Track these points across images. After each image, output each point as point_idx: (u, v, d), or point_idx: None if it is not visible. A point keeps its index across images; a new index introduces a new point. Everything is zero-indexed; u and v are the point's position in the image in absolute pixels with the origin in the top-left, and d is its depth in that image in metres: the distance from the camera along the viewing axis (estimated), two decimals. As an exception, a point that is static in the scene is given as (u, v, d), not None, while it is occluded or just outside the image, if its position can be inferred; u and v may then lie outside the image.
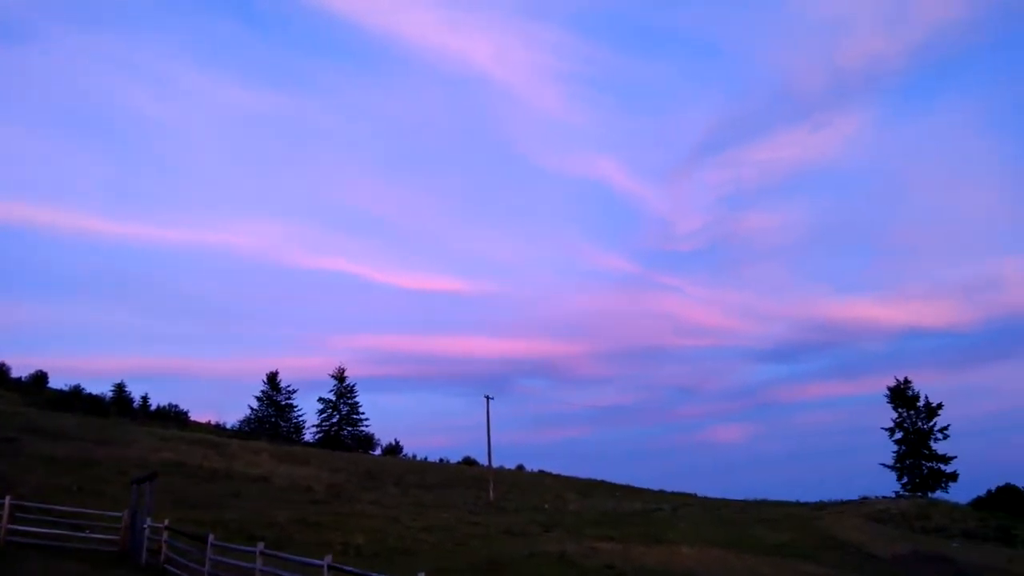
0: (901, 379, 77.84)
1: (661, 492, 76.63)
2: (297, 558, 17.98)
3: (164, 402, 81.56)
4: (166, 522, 22.92)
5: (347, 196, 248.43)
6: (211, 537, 20.30)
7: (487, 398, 61.14)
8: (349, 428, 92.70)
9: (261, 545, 18.63)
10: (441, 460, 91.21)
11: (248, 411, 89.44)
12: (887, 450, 77.19)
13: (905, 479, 75.31)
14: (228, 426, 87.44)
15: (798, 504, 67.09)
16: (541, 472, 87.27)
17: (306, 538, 28.76)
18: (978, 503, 75.02)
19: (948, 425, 75.27)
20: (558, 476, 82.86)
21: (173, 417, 78.37)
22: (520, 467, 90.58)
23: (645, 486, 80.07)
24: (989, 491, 79.11)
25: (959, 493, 74.77)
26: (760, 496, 72.30)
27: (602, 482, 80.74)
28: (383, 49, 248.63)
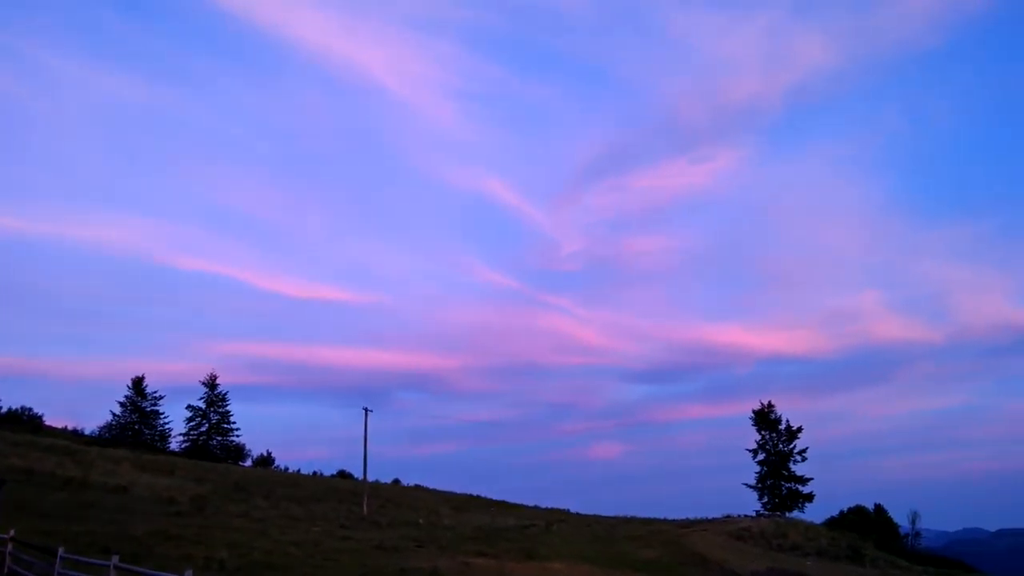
0: (765, 403, 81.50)
1: (536, 508, 77.33)
2: (155, 573, 17.07)
3: (15, 405, 76.40)
4: (11, 532, 21.41)
5: (228, 197, 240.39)
6: (61, 550, 19.06)
7: (366, 410, 60.18)
8: (219, 438, 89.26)
9: (115, 559, 17.57)
10: (315, 473, 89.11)
11: (110, 417, 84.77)
12: (750, 470, 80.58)
13: (766, 499, 78.70)
14: (87, 432, 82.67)
15: (666, 521, 69.01)
16: (417, 486, 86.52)
17: (166, 552, 27.39)
18: (831, 523, 79.40)
19: (806, 448, 79.34)
20: (434, 491, 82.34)
21: (25, 421, 73.41)
22: (396, 481, 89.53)
23: (520, 502, 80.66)
24: (842, 511, 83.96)
25: (815, 513, 78.97)
26: (631, 513, 74.13)
27: (478, 497, 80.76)
28: (272, 49, 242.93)
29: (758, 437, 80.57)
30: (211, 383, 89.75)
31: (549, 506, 79.48)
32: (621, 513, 74.11)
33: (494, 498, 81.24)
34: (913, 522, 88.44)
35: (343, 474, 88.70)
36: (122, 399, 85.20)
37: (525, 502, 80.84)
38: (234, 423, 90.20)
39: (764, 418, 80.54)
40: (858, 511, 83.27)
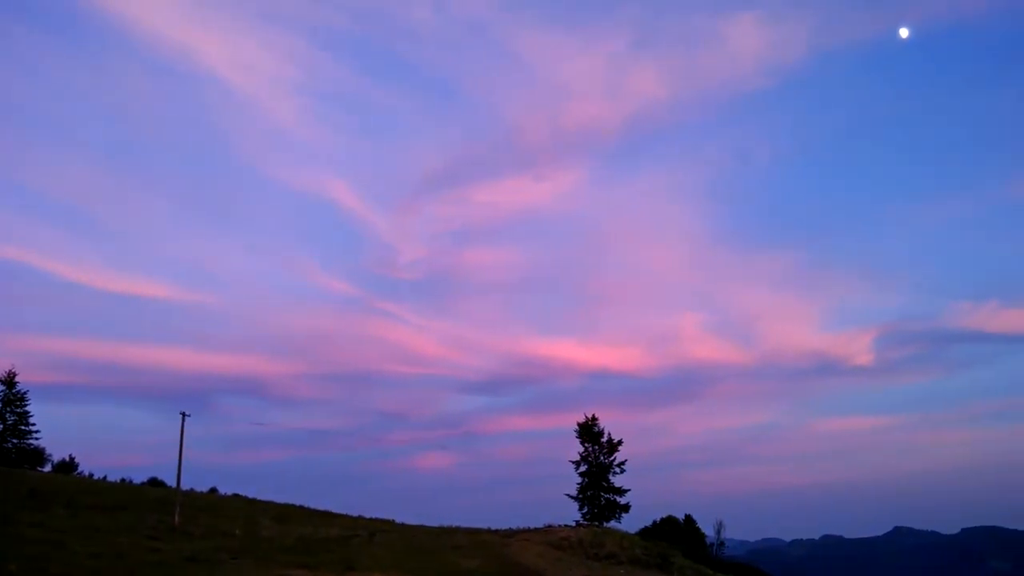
0: (589, 416, 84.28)
1: (360, 518, 76.09)
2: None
3: None
4: None
5: (40, 180, 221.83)
6: None
7: (183, 415, 57.08)
8: (15, 440, 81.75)
9: None
10: (123, 480, 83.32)
11: None
12: (573, 481, 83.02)
13: (585, 509, 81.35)
14: None
15: (490, 531, 69.88)
16: (236, 495, 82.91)
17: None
18: (644, 532, 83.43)
19: (626, 460, 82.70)
20: (254, 500, 79.20)
21: None
22: (213, 490, 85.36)
23: (346, 512, 79.04)
24: (655, 522, 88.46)
25: (631, 523, 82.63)
26: (459, 523, 74.48)
27: (301, 507, 78.45)
28: (103, 29, 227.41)
29: (581, 449, 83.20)
30: (9, 380, 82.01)
31: (374, 516, 78.45)
32: (448, 523, 74.36)
33: (318, 508, 79.25)
34: (718, 532, 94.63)
35: (155, 482, 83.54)
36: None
37: (350, 512, 79.35)
38: (33, 425, 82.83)
39: (588, 431, 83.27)
40: (669, 521, 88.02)
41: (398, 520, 77.22)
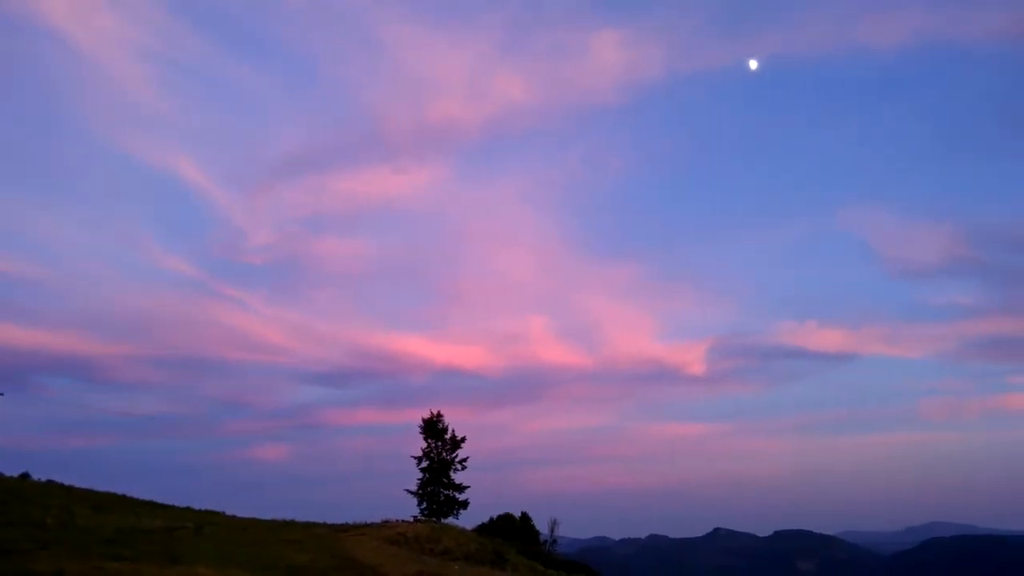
0: (435, 412, 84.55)
1: (188, 509, 72.81)
2: None
3: None
4: None
5: None
6: None
7: (-6, 393, 52.76)
8: None
9: None
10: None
11: None
12: (415, 477, 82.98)
13: (424, 505, 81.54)
14: None
15: (326, 525, 68.66)
16: (50, 482, 77.20)
17: None
18: (481, 529, 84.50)
19: (467, 457, 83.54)
20: (71, 488, 74.06)
21: None
22: (25, 475, 79.18)
23: (173, 502, 75.39)
24: (492, 518, 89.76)
25: (469, 519, 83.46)
26: (295, 516, 72.65)
27: (124, 496, 74.12)
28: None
29: (424, 445, 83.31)
30: None
31: (203, 507, 75.31)
32: (284, 516, 72.41)
33: (143, 497, 75.21)
34: (552, 530, 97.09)
35: (-45, 465, 76.56)
36: None
37: (178, 502, 75.81)
38: None
39: (432, 427, 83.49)
40: (506, 518, 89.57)
41: (229, 512, 74.50)
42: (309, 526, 67.49)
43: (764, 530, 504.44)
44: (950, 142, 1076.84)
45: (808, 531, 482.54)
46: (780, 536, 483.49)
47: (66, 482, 77.49)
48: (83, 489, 74.24)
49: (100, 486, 76.35)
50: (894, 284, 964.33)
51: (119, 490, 76.59)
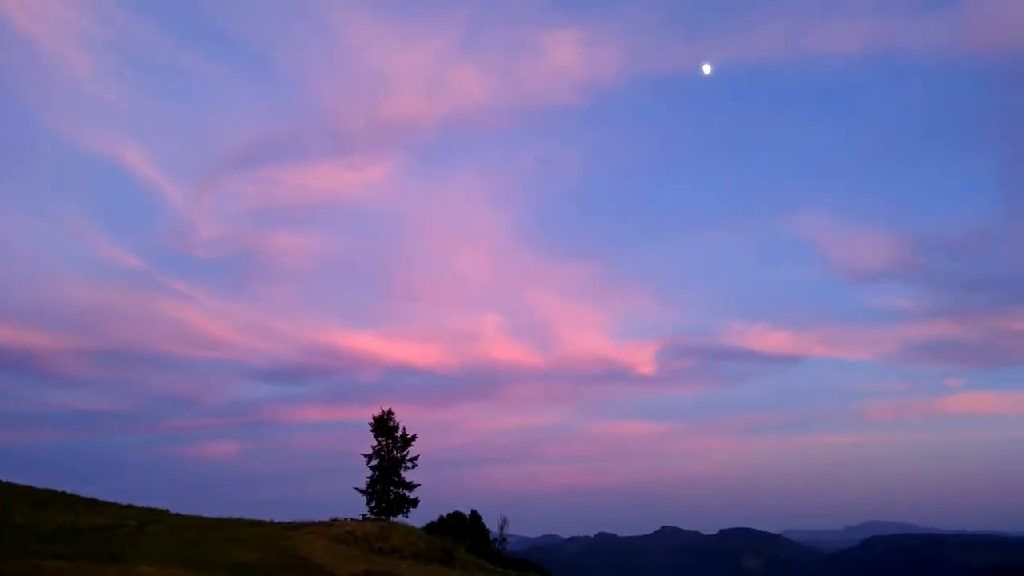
0: (386, 410, 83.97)
1: (130, 507, 71.29)
2: None
3: None
4: None
5: None
6: None
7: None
8: None
9: None
10: None
11: None
12: (364, 475, 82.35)
13: (374, 503, 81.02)
14: None
15: (273, 523, 67.76)
16: (-13, 479, 75.08)
17: None
18: (430, 527, 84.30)
19: (418, 455, 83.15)
20: (7, 485, 72.05)
21: None
22: (-41, 472, 76.77)
23: (115, 499, 73.73)
24: (441, 517, 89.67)
25: (419, 518, 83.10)
26: (242, 514, 71.44)
27: (63, 493, 72.31)
28: None
29: (375, 443, 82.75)
30: None
31: (147, 505, 73.77)
32: (231, 514, 71.12)
33: (83, 495, 73.44)
34: (502, 528, 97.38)
35: None
36: None
37: (120, 500, 74.16)
38: None
39: (383, 425, 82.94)
40: (456, 516, 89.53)
41: (173, 510, 73.10)
42: (256, 524, 66.55)
43: (710, 528, 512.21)
44: (897, 150, 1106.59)
45: (753, 529, 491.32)
46: (726, 534, 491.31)
47: (3, 478, 75.44)
48: (21, 486, 72.20)
49: (39, 483, 74.25)
50: (841, 288, 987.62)
51: (59, 487, 74.67)
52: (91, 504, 68.28)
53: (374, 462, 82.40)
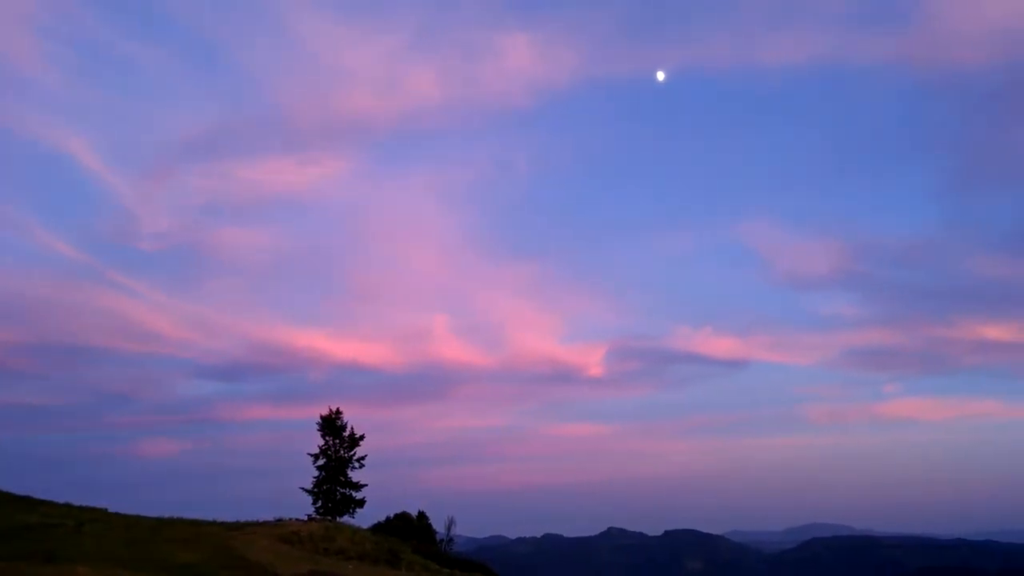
0: (334, 409, 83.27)
1: (68, 505, 69.53)
2: None
3: None
4: None
5: None
6: None
7: None
8: None
9: None
10: None
11: None
12: (311, 474, 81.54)
13: (320, 503, 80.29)
14: None
15: (216, 523, 66.70)
16: (-85, 476, 72.51)
17: None
18: (378, 527, 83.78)
19: (366, 455, 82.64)
20: (-63, 482, 69.80)
21: None
22: None
23: (49, 497, 71.83)
24: (388, 517, 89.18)
25: (365, 518, 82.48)
26: (183, 513, 70.10)
27: (-4, 491, 70.32)
28: None
29: (322, 442, 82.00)
30: None
31: (84, 503, 72.01)
32: (171, 513, 69.74)
33: (17, 493, 71.44)
34: (449, 528, 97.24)
35: None
36: None
37: (56, 498, 72.28)
38: None
39: (331, 424, 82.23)
40: (403, 517, 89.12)
41: (112, 509, 71.52)
42: (198, 524, 65.45)
43: (655, 529, 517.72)
44: (841, 160, 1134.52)
45: (696, 531, 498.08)
46: (670, 535, 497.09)
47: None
48: (-49, 484, 70.07)
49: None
50: (784, 294, 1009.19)
51: (-8, 485, 72.64)
52: (26, 502, 66.47)
53: (321, 462, 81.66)
